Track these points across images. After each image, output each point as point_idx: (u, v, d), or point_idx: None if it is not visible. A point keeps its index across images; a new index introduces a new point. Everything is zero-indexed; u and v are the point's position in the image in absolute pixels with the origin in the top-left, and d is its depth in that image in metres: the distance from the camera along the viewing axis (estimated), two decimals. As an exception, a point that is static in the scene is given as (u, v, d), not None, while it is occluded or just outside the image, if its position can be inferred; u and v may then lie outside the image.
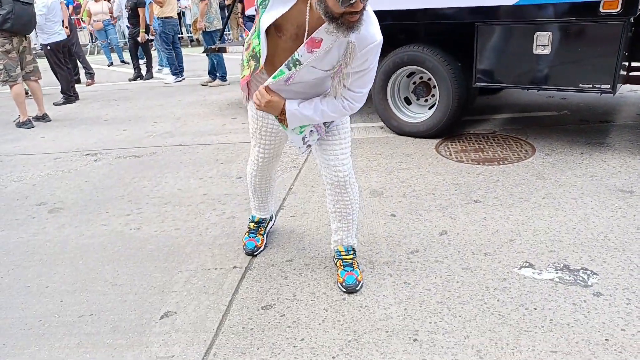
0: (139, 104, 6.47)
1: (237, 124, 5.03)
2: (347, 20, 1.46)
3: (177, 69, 8.07)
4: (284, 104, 1.76)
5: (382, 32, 1.63)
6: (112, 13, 10.61)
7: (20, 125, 5.50)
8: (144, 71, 8.60)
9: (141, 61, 8.81)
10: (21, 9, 5.16)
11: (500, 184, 3.06)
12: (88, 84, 7.96)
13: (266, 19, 1.64)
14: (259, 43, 1.70)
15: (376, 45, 1.61)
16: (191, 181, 3.50)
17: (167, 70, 8.65)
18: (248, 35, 1.85)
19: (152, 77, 8.53)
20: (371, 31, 1.59)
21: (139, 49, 8.56)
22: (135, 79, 8.47)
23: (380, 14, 3.75)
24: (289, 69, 1.66)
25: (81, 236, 2.74)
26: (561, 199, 2.76)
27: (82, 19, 12.53)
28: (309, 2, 1.56)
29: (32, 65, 5.55)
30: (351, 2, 1.40)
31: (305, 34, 1.61)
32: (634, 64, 3.64)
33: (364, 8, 1.47)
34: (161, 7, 7.46)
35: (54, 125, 5.53)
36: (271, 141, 2.08)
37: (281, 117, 1.80)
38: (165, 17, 7.65)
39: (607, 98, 4.89)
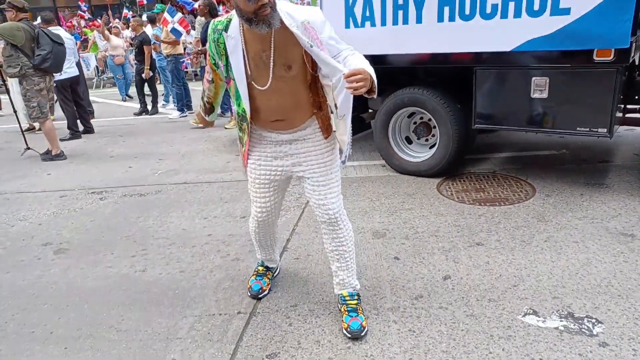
0: (145, 139, 6.58)
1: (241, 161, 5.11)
2: (261, 16, 1.64)
3: (184, 105, 8.23)
4: (363, 68, 1.66)
5: (384, 74, 1.74)
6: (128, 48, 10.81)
7: (52, 158, 5.63)
8: (149, 106, 8.76)
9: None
10: (57, 49, 5.43)
11: (502, 225, 3.09)
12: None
13: (237, 72, 1.81)
14: (239, 104, 1.92)
15: (320, 14, 1.78)
16: (196, 221, 3.54)
17: (171, 105, 8.82)
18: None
19: (157, 112, 8.68)
20: (307, 10, 1.78)
21: (144, 85, 8.75)
22: (140, 113, 8.62)
23: (382, 58, 3.89)
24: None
25: (86, 279, 2.76)
26: (563, 243, 2.79)
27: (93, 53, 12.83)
28: (242, 33, 1.77)
29: (51, 102, 5.75)
30: None
31: (272, 41, 1.74)
32: (629, 105, 3.73)
33: (271, 1, 1.64)
34: (174, 47, 7.72)
35: (60, 162, 5.60)
36: (269, 194, 2.12)
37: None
38: (177, 54, 7.89)
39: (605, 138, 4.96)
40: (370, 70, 1.69)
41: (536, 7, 3.12)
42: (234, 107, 2.01)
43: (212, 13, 6.56)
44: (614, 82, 3.02)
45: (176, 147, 6.00)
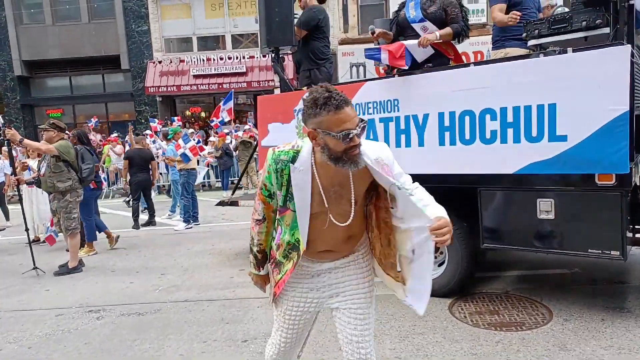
0: (149, 252, 6.52)
1: (245, 277, 4.98)
2: (350, 156, 1.63)
3: (190, 216, 8.31)
4: (444, 216, 1.69)
5: None
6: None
7: (70, 271, 5.54)
8: (142, 216, 8.86)
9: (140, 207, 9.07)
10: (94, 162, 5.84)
11: (522, 355, 2.89)
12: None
13: (302, 205, 1.77)
14: (292, 234, 1.83)
15: (388, 150, 1.84)
16: (194, 345, 3.34)
17: (177, 216, 8.90)
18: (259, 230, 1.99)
19: (155, 224, 8.74)
20: (375, 146, 1.80)
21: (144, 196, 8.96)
22: (147, 224, 8.67)
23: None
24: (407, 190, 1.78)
25: (72, 415, 2.52)
26: (591, 377, 2.58)
27: (102, 166, 13.31)
28: (314, 166, 1.74)
29: None
30: (350, 137, 1.59)
31: (351, 179, 1.74)
32: (637, 226, 3.71)
33: (359, 142, 1.65)
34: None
35: (61, 277, 5.48)
36: (298, 326, 2.01)
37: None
38: (190, 169, 8.20)
39: (616, 254, 4.88)
40: (447, 216, 1.69)
41: (534, 133, 3.27)
42: (277, 238, 1.93)
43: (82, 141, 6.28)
44: (620, 206, 3.04)
45: (179, 260, 5.92)
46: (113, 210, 11.01)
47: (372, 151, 1.76)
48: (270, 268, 2.01)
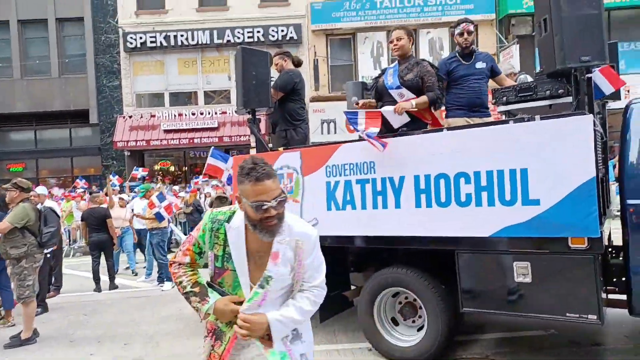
0: (112, 318, 6.12)
1: (215, 345, 4.72)
2: (265, 225, 1.75)
3: (165, 276, 7.92)
4: (266, 317, 1.81)
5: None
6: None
7: (22, 343, 5.06)
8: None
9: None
10: (59, 225, 5.51)
11: None
12: (50, 296, 7.56)
13: (240, 264, 1.83)
14: (236, 294, 1.87)
15: (315, 238, 1.91)
16: None
17: (154, 278, 8.40)
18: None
19: (116, 287, 8.24)
20: (305, 229, 1.90)
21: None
22: (111, 288, 8.20)
23: (363, 239, 3.95)
24: (263, 288, 1.83)
25: None
26: None
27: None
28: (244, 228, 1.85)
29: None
30: (264, 208, 1.70)
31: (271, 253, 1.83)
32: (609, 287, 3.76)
33: (279, 214, 1.76)
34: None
35: (10, 351, 5.01)
36: None
37: (265, 337, 1.83)
38: (162, 227, 7.89)
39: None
40: (284, 319, 1.83)
41: (508, 197, 3.34)
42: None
43: None
44: (594, 269, 3.09)
45: (144, 327, 5.57)
46: (74, 270, 10.44)
47: (298, 231, 1.87)
48: (209, 342, 1.94)
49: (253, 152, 5.54)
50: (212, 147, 7.02)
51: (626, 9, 16.04)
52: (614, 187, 5.95)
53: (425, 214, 3.68)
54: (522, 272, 3.36)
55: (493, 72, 4.49)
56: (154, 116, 17.19)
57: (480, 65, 4.40)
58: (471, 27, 4.37)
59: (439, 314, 3.75)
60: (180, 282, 1.95)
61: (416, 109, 4.13)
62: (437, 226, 3.63)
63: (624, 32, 15.31)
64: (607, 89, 3.60)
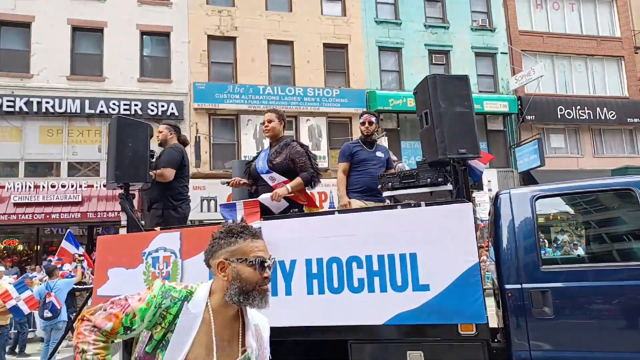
0: None
1: None
2: (261, 290, 1.59)
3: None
4: None
5: None
6: None
7: None
8: None
9: None
10: None
11: None
12: None
13: (174, 353, 1.49)
14: None
15: (267, 324, 1.83)
16: None
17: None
18: None
19: None
20: (259, 315, 1.77)
21: None
22: None
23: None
24: None
25: None
26: None
27: None
28: (210, 311, 1.57)
29: None
30: (265, 265, 1.59)
31: (239, 337, 1.63)
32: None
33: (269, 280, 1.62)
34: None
35: None
36: None
37: None
38: (3, 325, 6.42)
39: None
40: None
41: (399, 282, 3.31)
42: None
43: None
44: (484, 355, 3.10)
45: None
46: None
47: (254, 315, 1.73)
48: None
49: (123, 231, 4.90)
50: (69, 230, 6.19)
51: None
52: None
53: (318, 301, 3.46)
54: (415, 362, 3.25)
55: (388, 164, 4.85)
56: (2, 187, 14.92)
57: (379, 154, 4.78)
58: (372, 119, 4.80)
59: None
60: (84, 351, 1.47)
61: (292, 193, 4.08)
62: (330, 314, 3.42)
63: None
64: (480, 167, 3.89)
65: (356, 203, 4.40)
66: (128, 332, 1.54)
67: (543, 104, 19.49)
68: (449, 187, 3.66)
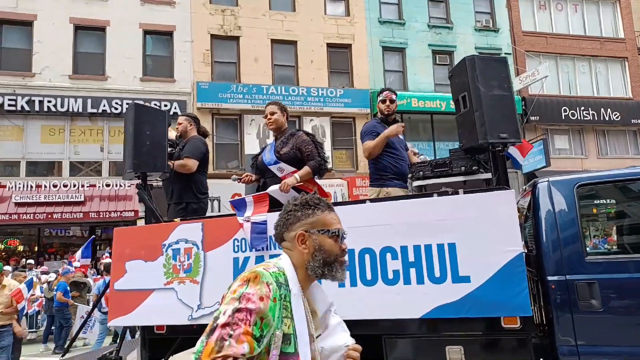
0: None
1: None
2: (341, 261, 1.58)
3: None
4: None
5: None
6: None
7: None
8: None
9: None
10: None
11: None
12: None
13: (303, 340, 1.42)
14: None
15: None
16: None
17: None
18: None
19: None
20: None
21: None
22: None
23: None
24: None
25: None
26: None
27: None
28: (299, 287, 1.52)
29: None
30: (345, 236, 1.61)
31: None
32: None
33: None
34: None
35: None
36: None
37: None
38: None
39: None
40: None
41: (437, 273, 3.14)
42: None
43: None
44: (529, 350, 2.93)
45: None
46: None
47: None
48: None
49: (141, 223, 4.73)
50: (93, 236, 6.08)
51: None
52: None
53: (349, 294, 3.28)
54: (454, 357, 3.08)
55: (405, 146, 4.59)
56: (4, 187, 14.70)
57: (400, 135, 4.48)
58: (393, 96, 4.48)
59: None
60: None
61: (301, 182, 3.93)
62: (362, 308, 3.24)
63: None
64: (520, 159, 3.76)
65: (396, 192, 4.19)
66: (261, 341, 1.31)
67: (547, 104, 19.42)
68: (485, 175, 3.51)
